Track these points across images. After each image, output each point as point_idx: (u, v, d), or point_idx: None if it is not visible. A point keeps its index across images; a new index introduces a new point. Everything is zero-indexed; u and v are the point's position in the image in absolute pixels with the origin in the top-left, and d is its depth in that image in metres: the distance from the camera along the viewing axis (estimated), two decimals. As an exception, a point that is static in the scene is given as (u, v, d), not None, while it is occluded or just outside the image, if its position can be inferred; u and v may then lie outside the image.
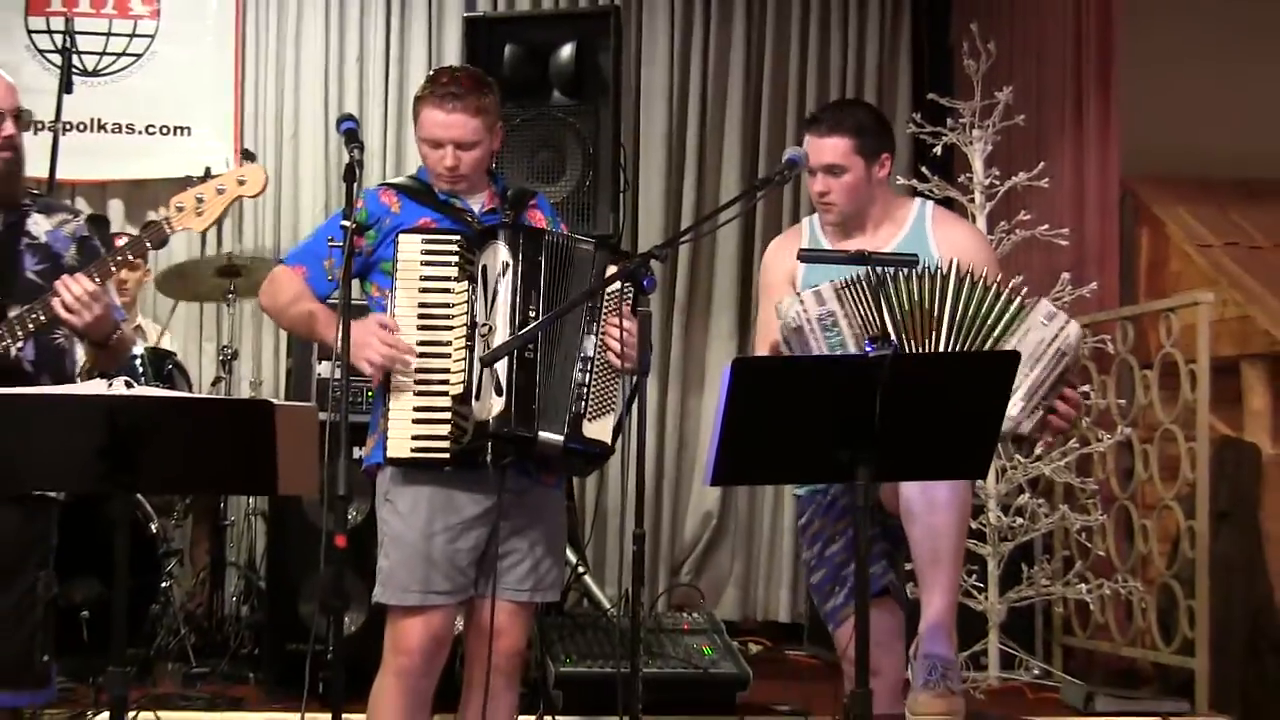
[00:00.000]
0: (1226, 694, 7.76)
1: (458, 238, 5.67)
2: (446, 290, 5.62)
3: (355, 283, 5.71)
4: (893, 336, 5.38)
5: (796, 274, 5.97)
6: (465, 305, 5.63)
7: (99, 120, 10.36)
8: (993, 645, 8.37)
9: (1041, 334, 5.55)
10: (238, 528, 9.18)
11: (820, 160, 5.91)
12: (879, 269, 5.54)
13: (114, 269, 5.76)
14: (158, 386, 8.06)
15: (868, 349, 4.77)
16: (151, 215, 6.75)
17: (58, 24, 10.18)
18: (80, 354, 6.16)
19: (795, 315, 5.59)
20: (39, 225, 6.00)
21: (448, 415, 5.60)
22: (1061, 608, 8.93)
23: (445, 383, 5.61)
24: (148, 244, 5.84)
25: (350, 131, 5.72)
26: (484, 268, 5.67)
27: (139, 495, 7.93)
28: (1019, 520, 8.42)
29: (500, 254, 5.67)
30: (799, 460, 5.03)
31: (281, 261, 6.10)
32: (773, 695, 7.41)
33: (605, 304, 5.72)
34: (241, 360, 9.53)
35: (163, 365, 8.58)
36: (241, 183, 5.83)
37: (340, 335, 5.48)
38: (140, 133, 10.44)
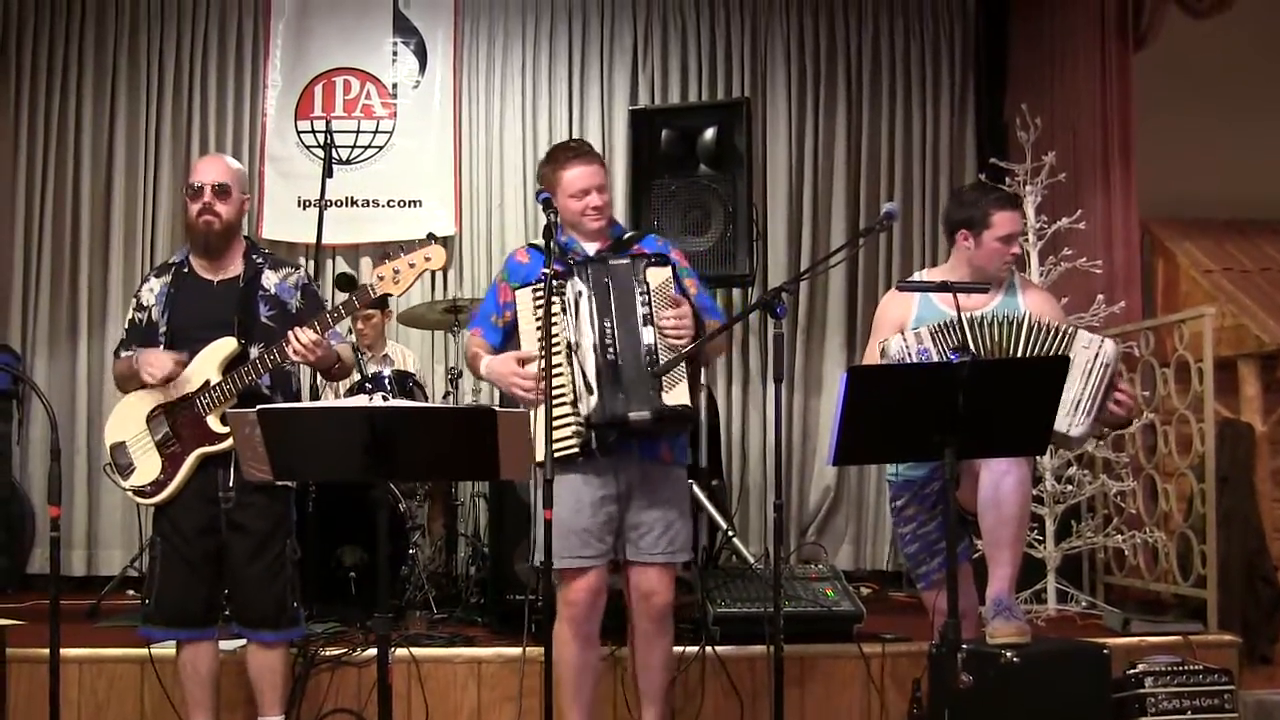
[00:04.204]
0: (1230, 617, 7.71)
1: (551, 280, 5.69)
2: (554, 323, 5.66)
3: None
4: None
5: (908, 317, 6.03)
6: (563, 330, 5.72)
7: (352, 198, 10.43)
8: (1051, 584, 8.30)
9: (1085, 355, 5.62)
10: (465, 506, 9.21)
11: (1015, 229, 6.14)
12: (970, 317, 5.73)
13: (332, 322, 5.91)
14: (403, 399, 8.13)
15: (952, 358, 4.79)
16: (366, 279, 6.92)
17: (320, 125, 10.31)
18: (304, 375, 6.45)
19: (899, 350, 5.69)
20: (269, 279, 6.15)
21: (570, 419, 5.68)
22: (1103, 554, 8.85)
23: (563, 394, 5.68)
24: (356, 304, 6.01)
25: (546, 200, 5.86)
26: (568, 297, 5.74)
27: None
28: (1069, 487, 8.37)
29: (577, 284, 5.75)
30: (900, 443, 5.07)
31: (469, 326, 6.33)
32: (881, 627, 7.36)
33: (656, 299, 5.75)
34: (465, 378, 9.58)
35: (406, 382, 8.64)
36: (428, 259, 5.89)
37: (544, 359, 5.56)
38: (383, 206, 10.52)
